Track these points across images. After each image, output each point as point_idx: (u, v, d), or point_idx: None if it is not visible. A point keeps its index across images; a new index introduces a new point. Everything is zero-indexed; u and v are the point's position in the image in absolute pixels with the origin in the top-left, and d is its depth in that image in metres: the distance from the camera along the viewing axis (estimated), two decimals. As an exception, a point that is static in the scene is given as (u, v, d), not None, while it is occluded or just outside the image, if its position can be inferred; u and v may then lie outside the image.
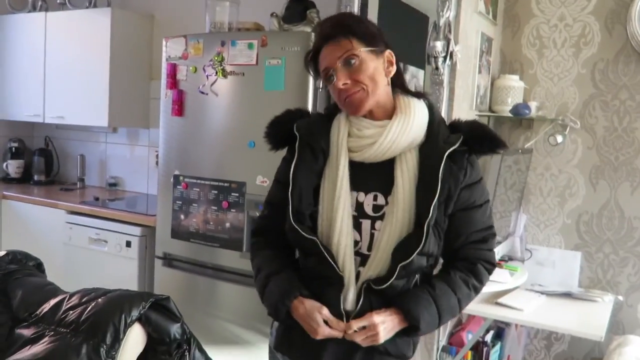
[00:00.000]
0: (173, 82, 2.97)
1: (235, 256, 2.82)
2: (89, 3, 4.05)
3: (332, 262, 1.49)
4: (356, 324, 1.47)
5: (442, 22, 2.39)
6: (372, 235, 1.53)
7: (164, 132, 3.06)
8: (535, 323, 2.58)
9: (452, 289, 1.53)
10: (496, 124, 3.15)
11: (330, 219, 1.52)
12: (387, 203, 1.52)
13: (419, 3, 2.80)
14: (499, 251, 2.76)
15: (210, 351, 1.92)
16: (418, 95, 1.58)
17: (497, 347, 3.01)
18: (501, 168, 2.48)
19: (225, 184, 2.84)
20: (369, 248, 1.53)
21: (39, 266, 2.17)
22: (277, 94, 2.65)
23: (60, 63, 4.01)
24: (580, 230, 3.06)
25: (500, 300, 2.61)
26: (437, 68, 2.43)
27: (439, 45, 2.39)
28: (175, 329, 1.77)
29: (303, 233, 1.51)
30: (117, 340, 1.67)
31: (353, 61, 1.47)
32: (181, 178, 2.99)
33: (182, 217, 2.99)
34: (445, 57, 2.41)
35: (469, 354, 2.84)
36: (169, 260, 3.10)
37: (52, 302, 1.83)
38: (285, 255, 1.63)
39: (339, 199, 1.51)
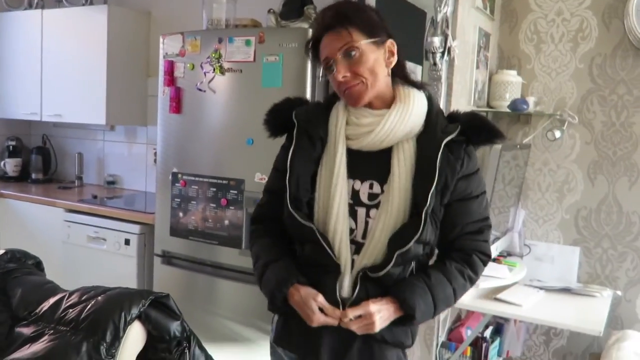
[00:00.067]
0: (170, 80, 2.97)
1: (234, 253, 2.82)
2: (86, 0, 4.04)
3: (329, 249, 1.50)
4: (352, 313, 1.47)
5: (439, 17, 2.39)
6: (366, 223, 1.53)
7: (162, 130, 3.05)
8: (534, 318, 2.58)
9: (447, 279, 1.54)
10: (494, 120, 3.15)
11: (326, 207, 1.52)
12: (382, 192, 1.52)
13: (417, -1, 2.80)
14: (497, 247, 2.76)
15: (210, 348, 1.92)
16: (418, 85, 1.58)
17: (496, 342, 3.01)
18: (499, 163, 2.48)
19: (224, 182, 2.84)
20: (364, 236, 1.53)
21: (38, 265, 2.16)
22: (275, 90, 2.64)
23: (57, 61, 4.00)
24: (579, 226, 3.06)
25: (499, 296, 2.61)
26: (435, 64, 2.43)
27: (437, 40, 2.39)
28: (175, 327, 1.77)
29: (300, 220, 1.52)
30: (117, 338, 1.67)
31: (353, 53, 1.46)
32: (179, 176, 2.98)
33: (181, 214, 2.99)
34: (443, 53, 2.41)
35: (468, 349, 2.84)
36: (168, 258, 3.10)
37: (52, 300, 1.83)
38: (283, 243, 1.63)
39: (336, 187, 1.52)
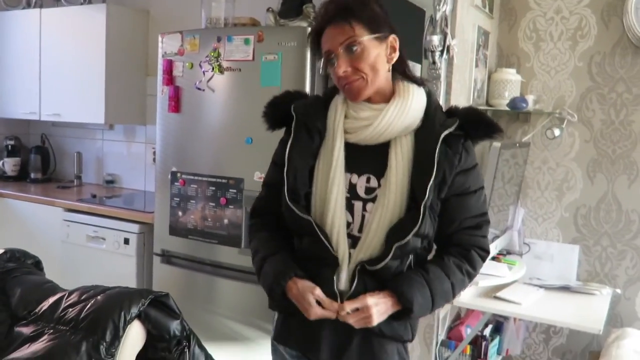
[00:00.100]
0: (169, 79, 2.96)
1: (234, 252, 2.82)
2: (84, -1, 4.04)
3: (326, 242, 1.50)
4: (349, 306, 1.47)
5: (438, 16, 2.39)
6: (363, 217, 1.54)
7: (161, 129, 3.05)
8: (533, 317, 2.58)
9: (445, 273, 1.54)
10: (493, 118, 3.13)
11: (323, 199, 1.53)
12: (379, 186, 1.53)
13: (416, -3, 2.79)
14: (497, 245, 2.76)
15: (209, 347, 1.92)
16: (418, 81, 1.58)
17: (496, 341, 3.02)
18: (499, 162, 2.48)
19: (223, 181, 2.83)
20: (360, 229, 1.53)
21: (38, 264, 2.16)
22: (274, 89, 2.61)
23: (56, 60, 3.99)
24: (578, 224, 3.06)
25: (498, 294, 2.61)
26: (434, 62, 2.42)
27: (436, 39, 2.39)
28: (174, 326, 1.77)
29: (298, 212, 1.52)
30: (116, 338, 1.67)
31: (355, 48, 1.46)
32: (179, 175, 2.98)
33: (180, 213, 2.98)
34: (442, 51, 2.41)
35: (468, 348, 2.84)
36: (168, 257, 3.10)
37: (51, 300, 1.82)
38: (281, 237, 1.63)
39: (333, 180, 1.52)
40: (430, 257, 1.63)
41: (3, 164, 4.48)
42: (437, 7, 2.38)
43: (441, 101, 2.44)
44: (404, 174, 1.49)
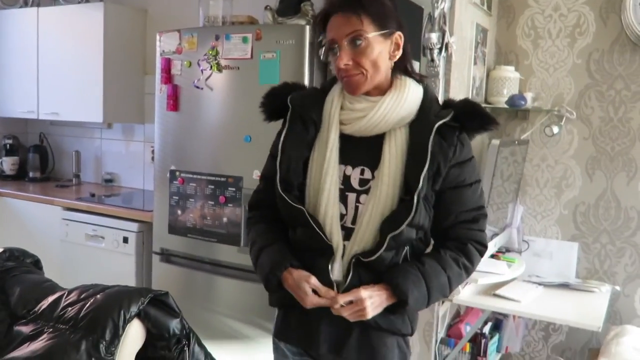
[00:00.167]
0: (167, 77, 2.96)
1: (233, 251, 2.82)
2: (82, -2, 4.03)
3: (319, 232, 1.50)
4: (343, 299, 1.48)
5: (437, 13, 2.38)
6: (356, 209, 1.54)
7: (160, 128, 3.05)
8: (533, 314, 2.59)
9: (442, 266, 1.54)
10: (492, 115, 3.15)
11: (317, 190, 1.53)
12: (373, 178, 1.53)
13: (414, -5, 2.79)
14: (496, 243, 2.76)
15: (209, 346, 1.92)
16: (417, 78, 1.58)
17: (495, 338, 3.02)
18: (497, 159, 2.48)
19: (222, 179, 2.83)
20: (353, 221, 1.54)
21: (37, 263, 2.16)
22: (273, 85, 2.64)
23: (54, 59, 3.99)
24: (577, 221, 3.06)
25: (497, 291, 2.62)
26: (432, 60, 2.42)
27: (434, 36, 2.38)
28: (174, 324, 1.77)
29: (289, 201, 1.53)
30: (116, 336, 1.66)
31: (359, 42, 1.46)
32: (177, 173, 2.98)
33: (179, 212, 2.98)
34: (440, 49, 2.41)
35: (467, 345, 2.85)
36: (167, 256, 3.10)
37: (51, 298, 1.82)
38: (278, 228, 1.64)
39: (327, 170, 1.52)
40: (428, 251, 1.63)
41: (1, 163, 4.48)
42: (436, 5, 2.38)
43: (440, 99, 2.43)
44: (397, 165, 1.50)
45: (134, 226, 3.33)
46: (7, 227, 3.92)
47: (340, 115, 1.55)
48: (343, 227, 1.54)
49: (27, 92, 4.12)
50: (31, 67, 4.08)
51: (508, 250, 3.03)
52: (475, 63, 2.80)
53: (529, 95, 2.95)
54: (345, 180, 1.55)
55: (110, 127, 4.36)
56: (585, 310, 2.56)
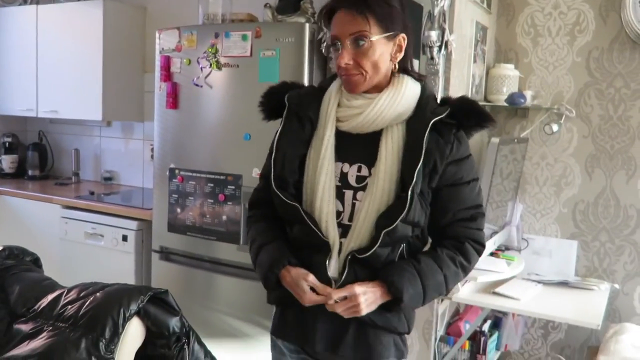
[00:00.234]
0: (167, 75, 2.96)
1: (233, 249, 2.82)
2: (81, -4, 4.02)
3: (315, 229, 1.50)
4: (336, 294, 1.47)
5: (436, 11, 2.38)
6: (353, 206, 1.53)
7: (159, 125, 3.05)
8: (532, 312, 2.59)
9: (438, 265, 1.53)
10: (492, 113, 3.12)
11: (313, 187, 1.53)
12: (370, 174, 1.52)
13: (414, -8, 2.79)
14: (495, 241, 2.76)
15: (209, 344, 1.92)
16: (416, 77, 1.58)
17: (495, 336, 3.02)
18: (497, 158, 2.48)
19: (221, 177, 2.83)
20: (350, 218, 1.53)
21: (36, 261, 2.15)
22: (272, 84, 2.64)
23: (53, 56, 3.98)
24: (577, 219, 3.06)
25: (497, 289, 2.62)
26: (432, 58, 2.42)
27: (434, 34, 2.38)
28: (174, 323, 1.77)
29: (284, 198, 1.53)
30: (116, 334, 1.66)
31: (362, 43, 1.46)
32: (177, 171, 2.98)
33: (179, 210, 2.98)
34: (440, 47, 2.41)
35: (467, 343, 2.85)
36: (166, 254, 3.09)
37: (50, 297, 1.82)
38: (277, 227, 1.64)
39: (322, 167, 1.52)
40: (425, 250, 1.63)
41: (0, 161, 4.47)
42: (435, 3, 2.38)
43: (439, 97, 2.43)
44: (393, 162, 1.49)
45: (133, 224, 3.33)
46: (7, 225, 3.92)
47: (337, 113, 1.55)
48: (340, 224, 1.54)
49: (26, 90, 4.11)
50: (30, 65, 4.07)
51: (507, 248, 3.03)
52: (474, 61, 2.80)
53: (528, 94, 2.95)
54: (343, 177, 1.55)
55: (110, 125, 4.35)
56: (584, 308, 2.56)
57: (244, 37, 2.72)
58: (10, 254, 2.07)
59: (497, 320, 3.11)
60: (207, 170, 2.88)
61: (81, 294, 1.78)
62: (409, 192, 1.45)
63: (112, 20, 3.81)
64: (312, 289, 1.50)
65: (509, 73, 2.99)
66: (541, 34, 3.06)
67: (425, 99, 1.55)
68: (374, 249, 1.47)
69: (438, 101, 1.60)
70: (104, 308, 1.69)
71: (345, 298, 1.47)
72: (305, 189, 1.56)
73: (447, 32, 2.40)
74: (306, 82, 2.59)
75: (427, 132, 1.47)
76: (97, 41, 3.77)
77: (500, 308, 2.66)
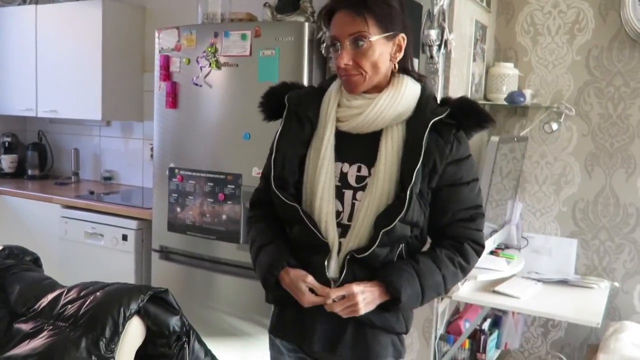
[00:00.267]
0: (166, 74, 2.96)
1: (232, 248, 2.82)
2: (80, -5, 4.02)
3: (315, 230, 1.50)
4: (334, 294, 1.48)
5: (436, 10, 2.38)
6: (353, 206, 1.54)
7: (159, 125, 3.05)
8: (532, 310, 2.59)
9: (437, 265, 1.53)
10: (491, 112, 3.14)
11: (313, 187, 1.53)
12: (370, 174, 1.53)
13: (413, -9, 2.79)
14: (495, 239, 2.76)
15: (209, 343, 1.92)
16: (416, 77, 1.58)
17: (495, 335, 3.02)
18: (497, 156, 2.48)
19: (221, 176, 2.83)
20: (350, 218, 1.53)
21: (36, 261, 2.16)
22: (272, 85, 2.63)
23: (52, 56, 3.98)
24: (576, 218, 3.06)
25: (497, 288, 2.62)
26: (431, 57, 2.42)
27: (434, 33, 2.38)
28: (174, 322, 1.77)
29: (283, 199, 1.53)
30: (116, 334, 1.66)
31: (361, 43, 1.46)
32: (176, 171, 2.98)
33: (178, 209, 2.98)
34: (439, 46, 2.41)
35: (467, 342, 2.85)
36: (166, 253, 3.09)
37: (50, 296, 1.82)
38: (278, 227, 1.64)
39: (322, 167, 1.53)
40: (424, 250, 1.63)
41: (0, 161, 4.47)
42: (435, 1, 2.37)
43: (439, 96, 2.44)
44: (393, 162, 1.50)
45: (133, 224, 3.33)
46: (6, 225, 3.92)
47: (337, 113, 1.55)
48: (340, 224, 1.54)
49: (26, 90, 4.11)
50: (30, 64, 4.07)
51: (507, 247, 3.04)
52: (474, 60, 2.80)
53: (528, 92, 2.95)
54: (342, 177, 1.55)
55: (109, 124, 4.35)
56: (584, 306, 2.56)
57: (244, 37, 2.72)
58: (10, 254, 2.07)
59: (497, 318, 3.12)
60: (207, 169, 2.88)
61: (81, 294, 1.78)
62: (408, 192, 1.45)
63: (111, 20, 3.81)
64: (311, 290, 1.50)
65: (509, 72, 2.99)
66: (541, 33, 3.06)
67: (425, 99, 1.55)
68: (372, 248, 1.47)
69: (438, 101, 1.60)
70: (104, 307, 1.70)
71: (343, 297, 1.47)
72: (305, 189, 1.56)
73: (446, 30, 2.40)
74: (306, 82, 2.59)
75: (426, 132, 1.47)
76: (96, 41, 3.76)
77: (500, 306, 2.66)
